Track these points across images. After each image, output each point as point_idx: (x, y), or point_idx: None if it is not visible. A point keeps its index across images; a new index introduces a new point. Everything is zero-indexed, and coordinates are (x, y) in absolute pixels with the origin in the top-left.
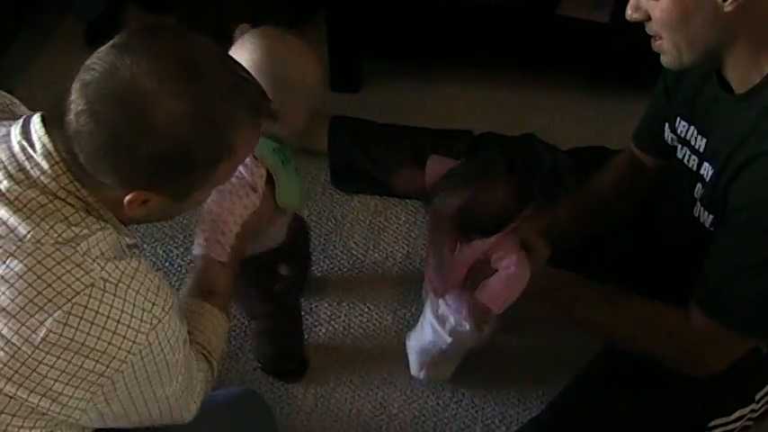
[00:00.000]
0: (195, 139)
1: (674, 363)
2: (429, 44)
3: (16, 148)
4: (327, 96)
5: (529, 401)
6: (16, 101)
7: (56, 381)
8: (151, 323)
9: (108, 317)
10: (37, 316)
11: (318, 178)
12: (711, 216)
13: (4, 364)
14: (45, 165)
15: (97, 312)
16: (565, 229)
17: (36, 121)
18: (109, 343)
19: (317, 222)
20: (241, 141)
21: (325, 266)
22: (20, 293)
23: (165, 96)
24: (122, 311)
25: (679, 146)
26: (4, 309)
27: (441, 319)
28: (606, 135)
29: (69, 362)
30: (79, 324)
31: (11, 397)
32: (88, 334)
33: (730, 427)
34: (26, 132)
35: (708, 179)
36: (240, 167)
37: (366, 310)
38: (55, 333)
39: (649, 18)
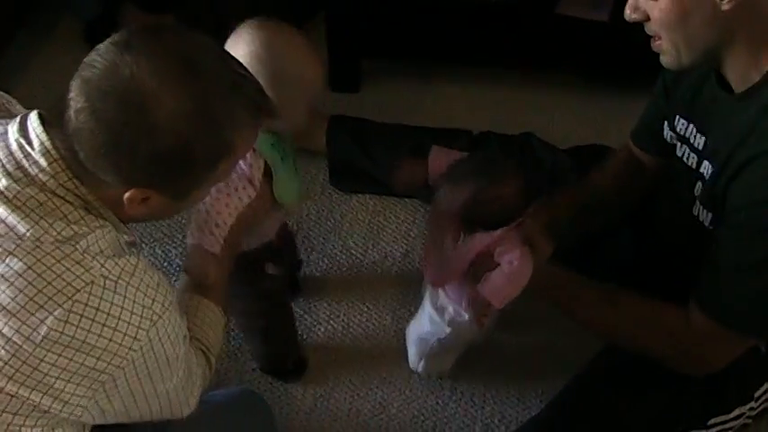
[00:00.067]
0: (195, 137)
1: (673, 362)
2: (428, 44)
3: (14, 146)
4: (327, 96)
5: (528, 400)
6: (12, 99)
7: (57, 378)
8: (151, 319)
9: (108, 314)
10: (38, 314)
11: (317, 178)
12: (711, 214)
13: (6, 363)
14: (43, 162)
15: (98, 310)
16: (562, 227)
17: (34, 118)
18: (110, 340)
19: (316, 222)
20: (240, 140)
21: (324, 266)
22: (20, 292)
23: (165, 95)
24: (123, 308)
25: (678, 144)
26: (4, 307)
27: (439, 310)
28: (605, 134)
29: (71, 359)
30: (80, 322)
31: (12, 396)
32: (89, 331)
33: (729, 425)
34: (24, 130)
35: (708, 177)
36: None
37: (365, 309)
38: (56, 331)
39: (648, 18)
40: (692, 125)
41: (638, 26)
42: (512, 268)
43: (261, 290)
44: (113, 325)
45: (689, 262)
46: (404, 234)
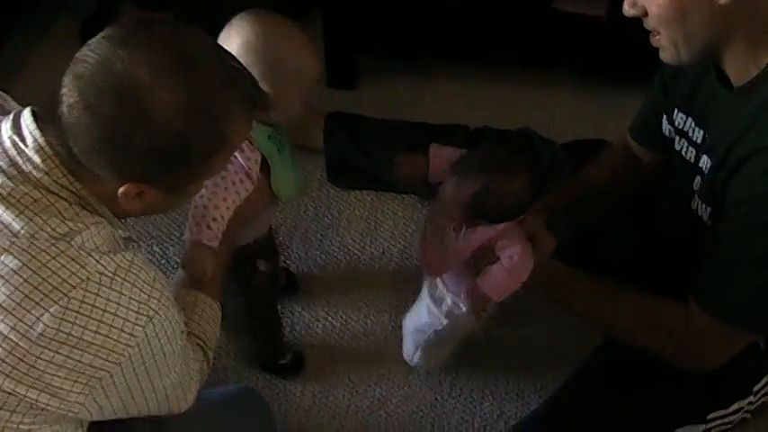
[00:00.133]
0: (190, 131)
1: (673, 358)
2: (425, 40)
3: (7, 144)
4: (323, 93)
5: (527, 396)
6: (8, 97)
7: (54, 375)
8: (148, 315)
9: (105, 310)
10: (33, 311)
11: (315, 174)
12: (710, 209)
13: (2, 361)
14: (37, 159)
15: (93, 306)
16: (557, 220)
17: (27, 115)
18: (106, 336)
19: (313, 218)
20: (235, 133)
21: (321, 262)
22: (16, 289)
23: (159, 89)
24: (119, 305)
25: (677, 138)
26: (0, 305)
27: (437, 301)
28: (603, 129)
29: (67, 356)
30: (76, 318)
31: (9, 393)
32: (85, 328)
33: (728, 419)
34: (17, 127)
35: (707, 172)
36: (235, 152)
37: (363, 305)
38: (52, 328)
39: (646, 14)
40: (690, 119)
41: (635, 22)
42: (512, 262)
43: (253, 287)
44: (109, 321)
45: (688, 257)
46: (401, 230)
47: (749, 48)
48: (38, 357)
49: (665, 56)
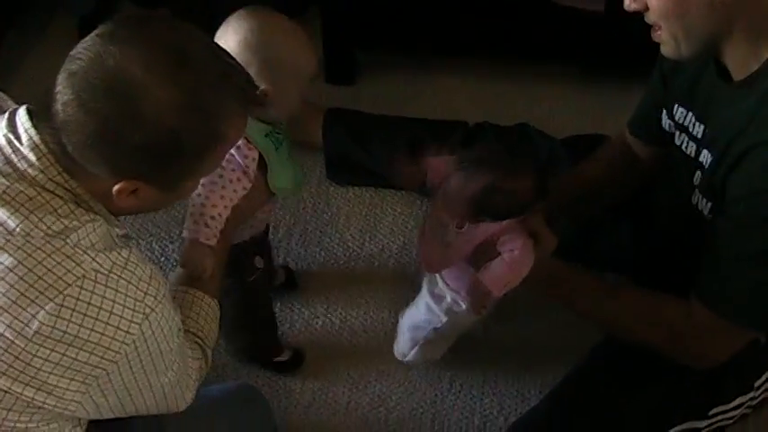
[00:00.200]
0: (182, 127)
1: (674, 354)
2: (424, 36)
3: (2, 141)
4: (322, 89)
5: (527, 392)
6: (4, 95)
7: (50, 374)
8: (144, 313)
9: (100, 308)
10: (29, 309)
11: (314, 171)
12: (710, 203)
13: None
14: (32, 157)
15: (89, 304)
16: (556, 217)
17: (22, 113)
18: (102, 334)
19: (312, 215)
20: (230, 130)
21: (321, 259)
22: (11, 287)
23: (153, 85)
24: (114, 302)
25: (677, 132)
26: None
27: (437, 298)
28: (603, 125)
29: (63, 354)
30: (72, 316)
31: (5, 391)
32: (81, 326)
33: (730, 414)
34: (12, 126)
35: (707, 166)
36: (232, 150)
37: (363, 302)
38: (48, 326)
39: (647, 8)
40: (690, 113)
41: (634, 16)
42: (512, 256)
43: (249, 283)
44: (105, 319)
45: (688, 251)
46: (401, 227)
47: (749, 42)
48: (34, 355)
49: (666, 50)
